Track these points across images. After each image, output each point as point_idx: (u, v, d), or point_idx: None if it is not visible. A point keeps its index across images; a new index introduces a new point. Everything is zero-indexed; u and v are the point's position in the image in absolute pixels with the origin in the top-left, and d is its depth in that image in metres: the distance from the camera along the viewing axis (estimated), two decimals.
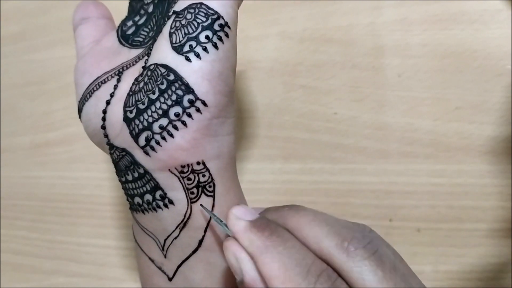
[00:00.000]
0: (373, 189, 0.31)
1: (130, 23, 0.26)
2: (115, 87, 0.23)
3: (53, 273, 0.41)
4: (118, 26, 0.26)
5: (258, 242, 0.18)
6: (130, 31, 0.25)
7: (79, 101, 0.24)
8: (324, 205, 0.32)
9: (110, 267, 0.39)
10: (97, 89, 0.24)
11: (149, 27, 0.25)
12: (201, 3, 0.21)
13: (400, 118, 0.31)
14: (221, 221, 0.21)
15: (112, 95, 0.23)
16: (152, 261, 0.23)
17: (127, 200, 0.24)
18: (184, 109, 0.20)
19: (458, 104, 0.30)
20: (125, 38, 0.25)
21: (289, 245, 0.18)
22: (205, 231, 0.22)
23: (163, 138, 0.21)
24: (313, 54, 0.33)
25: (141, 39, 0.25)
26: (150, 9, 0.25)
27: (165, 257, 0.23)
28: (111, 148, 0.23)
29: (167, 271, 0.23)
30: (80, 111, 0.24)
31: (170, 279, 0.23)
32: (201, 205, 0.22)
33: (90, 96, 0.24)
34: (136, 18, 0.26)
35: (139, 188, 0.22)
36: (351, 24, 0.32)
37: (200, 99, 0.20)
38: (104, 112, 0.23)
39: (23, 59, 0.44)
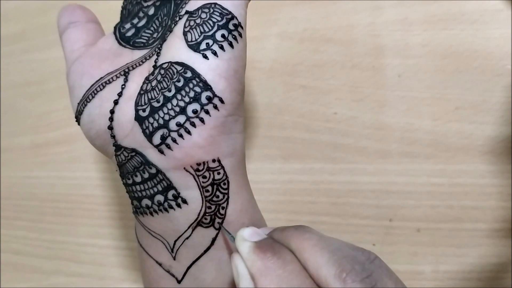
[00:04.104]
0: (373, 189, 0.31)
1: (128, 25, 0.26)
2: (123, 86, 0.23)
3: (53, 273, 0.41)
4: (115, 29, 0.26)
5: (259, 263, 0.18)
6: (129, 33, 0.25)
7: (78, 103, 0.24)
8: (324, 205, 0.32)
9: (110, 267, 0.39)
10: (101, 89, 0.23)
11: (152, 28, 0.25)
12: (215, 3, 0.21)
13: (400, 118, 0.31)
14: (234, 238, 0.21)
15: (120, 95, 0.23)
16: (160, 264, 0.23)
17: (132, 203, 0.23)
18: (202, 106, 0.20)
19: (458, 104, 0.30)
20: (125, 40, 0.25)
21: (288, 269, 0.18)
22: (219, 229, 0.22)
23: (180, 135, 0.20)
24: (313, 54, 0.33)
25: (144, 41, 0.25)
26: (151, 12, 0.25)
27: (174, 259, 0.22)
28: (118, 149, 0.22)
29: (176, 273, 0.23)
30: (80, 113, 0.24)
31: (179, 282, 0.23)
32: (221, 226, 0.22)
33: (93, 97, 0.23)
34: (135, 21, 0.26)
35: (148, 189, 0.22)
36: (351, 24, 0.32)
37: (218, 96, 0.20)
38: (112, 112, 0.22)
39: (23, 59, 0.44)
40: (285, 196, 0.33)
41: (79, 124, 0.24)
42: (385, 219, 0.31)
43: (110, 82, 0.23)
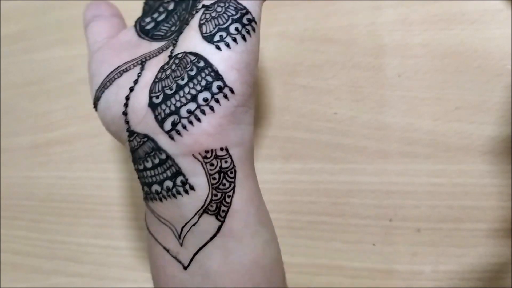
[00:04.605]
0: (373, 189, 0.31)
1: (148, 19, 0.27)
2: (139, 75, 0.24)
3: (53, 273, 0.41)
4: (136, 22, 0.27)
5: None
6: (149, 26, 0.27)
7: (96, 90, 0.25)
8: (324, 205, 0.32)
9: (110, 267, 0.39)
10: (118, 77, 0.24)
11: (170, 22, 0.26)
12: None
13: (400, 118, 0.31)
14: None
15: (136, 82, 0.24)
16: (167, 250, 0.23)
17: (143, 189, 0.24)
18: (212, 94, 0.21)
19: (458, 104, 0.30)
20: (144, 32, 0.27)
21: None
22: (224, 217, 0.22)
23: (190, 122, 0.21)
24: (313, 54, 0.33)
25: (162, 33, 0.26)
26: (171, 7, 0.27)
27: (181, 245, 0.23)
28: (131, 135, 0.23)
29: (182, 260, 0.23)
30: (97, 99, 0.25)
31: (185, 268, 0.23)
32: None
33: (111, 84, 0.24)
34: (155, 15, 0.27)
35: (158, 175, 0.22)
36: (351, 24, 0.32)
37: (228, 86, 0.21)
38: (127, 98, 0.23)
39: (23, 59, 0.44)
40: (285, 196, 0.33)
41: (96, 110, 0.25)
42: (385, 219, 0.31)
43: (127, 71, 0.24)
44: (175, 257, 0.23)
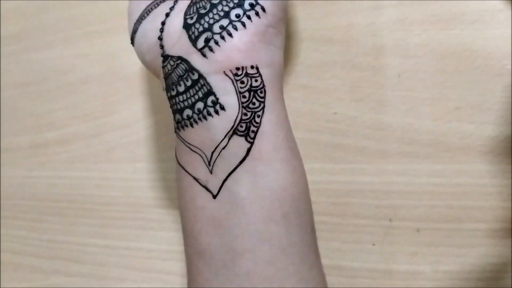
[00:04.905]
0: (373, 189, 0.31)
1: None
2: (175, 2, 0.25)
3: (53, 273, 0.41)
4: None
5: None
6: None
7: (134, 24, 0.27)
8: (324, 205, 0.32)
9: (110, 267, 0.39)
10: (155, 7, 0.26)
11: None
12: None
13: (400, 118, 0.31)
14: None
15: (171, 9, 0.25)
16: (197, 180, 0.24)
17: (174, 119, 0.24)
18: (244, 11, 0.22)
19: (458, 104, 0.30)
20: None
21: None
22: (254, 138, 0.23)
23: (222, 38, 0.22)
24: (313, 54, 0.33)
25: None
26: None
27: (211, 172, 0.23)
28: (165, 59, 0.24)
29: (211, 188, 0.23)
30: (135, 31, 0.26)
31: (214, 197, 0.23)
32: None
33: (148, 14, 0.26)
34: None
35: (190, 98, 0.23)
36: (351, 24, 0.32)
37: (260, 5, 0.22)
38: (163, 24, 0.25)
39: (23, 59, 0.44)
40: None
41: (133, 43, 0.27)
42: (385, 219, 0.31)
43: (164, 1, 0.26)
44: (204, 186, 0.23)
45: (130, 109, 0.39)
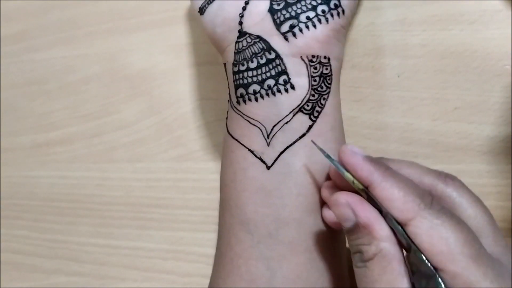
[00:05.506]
0: None
1: None
2: None
3: (54, 273, 0.42)
4: None
5: (378, 172, 0.21)
6: None
7: None
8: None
9: (110, 266, 0.39)
10: None
11: None
12: None
13: (399, 118, 0.31)
14: (332, 159, 0.23)
15: None
16: (252, 152, 0.25)
17: (235, 93, 0.26)
18: (329, 9, 0.25)
19: (457, 104, 0.30)
20: None
21: (402, 177, 0.21)
22: (317, 117, 0.25)
23: (307, 27, 0.25)
24: None
25: None
26: None
27: (268, 145, 0.25)
28: (242, 35, 0.25)
29: (266, 159, 0.25)
30: (209, 2, 0.27)
31: (268, 168, 0.25)
32: (312, 141, 0.24)
33: None
34: None
35: (261, 74, 0.25)
36: (351, 24, 0.32)
37: (342, 7, 0.25)
38: (246, 3, 0.26)
39: (23, 59, 0.44)
40: None
41: (202, 14, 0.27)
42: None
43: None
44: (259, 158, 0.25)
45: (130, 109, 0.39)
